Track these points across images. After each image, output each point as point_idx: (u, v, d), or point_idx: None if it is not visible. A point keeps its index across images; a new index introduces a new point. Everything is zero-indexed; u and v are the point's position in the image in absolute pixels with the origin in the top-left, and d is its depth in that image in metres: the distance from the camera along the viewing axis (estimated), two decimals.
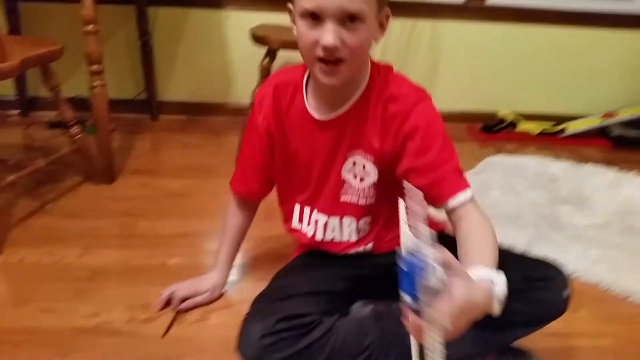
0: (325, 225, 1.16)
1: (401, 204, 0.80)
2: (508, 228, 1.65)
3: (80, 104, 2.07)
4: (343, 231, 1.16)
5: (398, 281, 0.70)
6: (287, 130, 1.10)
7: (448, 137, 1.01)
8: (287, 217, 1.23)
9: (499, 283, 0.78)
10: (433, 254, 0.66)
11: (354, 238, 1.17)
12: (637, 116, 2.78)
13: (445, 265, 0.68)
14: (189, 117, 2.66)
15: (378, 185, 1.10)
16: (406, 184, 0.75)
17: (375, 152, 1.06)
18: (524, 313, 1.00)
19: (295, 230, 1.21)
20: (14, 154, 2.08)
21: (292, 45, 1.97)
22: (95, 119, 1.83)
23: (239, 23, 2.51)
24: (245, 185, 1.23)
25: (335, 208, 1.14)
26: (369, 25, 0.91)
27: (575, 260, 1.54)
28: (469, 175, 1.03)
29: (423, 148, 0.99)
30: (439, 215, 1.09)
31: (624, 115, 2.78)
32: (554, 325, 1.06)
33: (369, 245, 1.18)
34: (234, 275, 1.46)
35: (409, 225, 0.74)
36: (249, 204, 1.29)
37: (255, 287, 1.15)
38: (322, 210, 1.15)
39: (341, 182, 1.10)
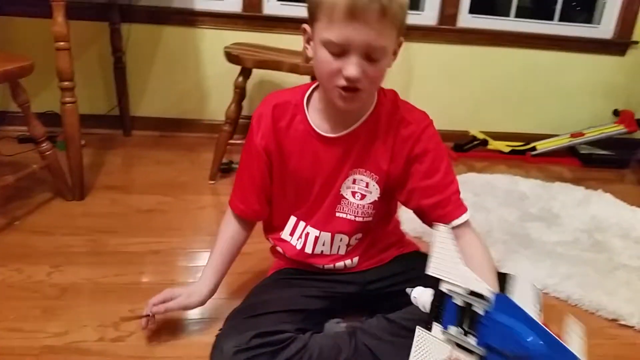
0: (316, 239, 1.16)
1: (442, 238, 0.85)
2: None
3: (52, 119, 2.04)
4: (333, 246, 1.17)
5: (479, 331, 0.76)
6: (286, 149, 1.11)
7: (450, 161, 1.09)
8: (277, 228, 1.22)
9: None
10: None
11: (342, 252, 1.18)
12: (604, 135, 2.87)
13: None
14: (162, 134, 2.65)
15: (376, 204, 1.12)
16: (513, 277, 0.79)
17: (381, 172, 1.09)
18: None
19: (283, 241, 1.21)
20: None
21: (266, 65, 2.00)
22: (65, 135, 1.81)
23: (214, 41, 2.53)
24: (245, 205, 1.19)
25: (329, 224, 1.14)
26: (388, 57, 0.96)
27: (545, 276, 1.56)
28: None
29: (431, 170, 1.06)
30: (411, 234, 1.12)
31: (591, 134, 2.87)
32: None
33: (355, 260, 1.19)
34: None
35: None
36: (247, 223, 1.24)
37: (229, 304, 1.15)
38: (315, 225, 1.15)
39: (339, 199, 1.12)
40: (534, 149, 2.82)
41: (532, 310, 0.83)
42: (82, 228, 1.68)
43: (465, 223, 1.07)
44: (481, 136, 2.81)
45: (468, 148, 2.77)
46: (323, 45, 0.94)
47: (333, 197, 1.12)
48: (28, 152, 2.13)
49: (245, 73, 2.04)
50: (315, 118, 1.08)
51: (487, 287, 0.77)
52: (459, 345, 0.79)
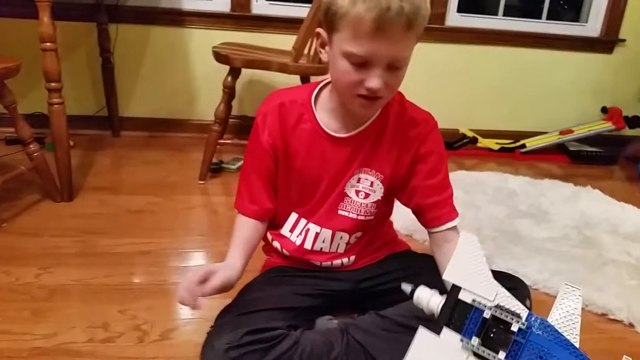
0: (317, 235, 1.15)
1: (468, 245, 0.88)
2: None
3: (40, 120, 2.03)
4: (333, 243, 1.17)
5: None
6: (292, 148, 1.10)
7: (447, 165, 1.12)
8: (277, 225, 1.20)
9: None
10: None
11: (341, 250, 1.18)
12: (593, 132, 2.90)
13: None
14: (151, 134, 2.64)
15: (379, 204, 1.13)
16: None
17: (387, 172, 1.10)
18: None
19: (282, 237, 1.20)
20: None
21: (255, 64, 2.00)
22: (53, 136, 1.80)
23: (202, 41, 2.52)
24: (257, 205, 1.15)
25: (331, 221, 1.14)
26: (407, 64, 0.97)
27: (534, 272, 1.57)
28: None
29: (433, 171, 1.09)
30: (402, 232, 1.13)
31: (581, 132, 2.89)
32: None
33: (352, 258, 1.20)
34: None
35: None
36: (259, 224, 1.18)
37: (220, 304, 1.14)
38: (317, 222, 1.15)
39: (342, 197, 1.12)
40: (523, 146, 2.83)
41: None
42: (71, 229, 1.67)
43: (454, 227, 1.10)
44: (470, 134, 2.82)
45: (458, 146, 2.78)
46: (344, 56, 0.93)
47: (337, 195, 1.12)
48: (16, 153, 2.11)
49: (234, 73, 2.04)
50: (324, 118, 1.08)
51: (521, 305, 0.79)
52: (477, 356, 0.78)
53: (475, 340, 0.79)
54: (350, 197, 1.12)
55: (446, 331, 0.84)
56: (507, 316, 0.78)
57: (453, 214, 1.11)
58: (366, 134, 1.08)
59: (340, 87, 1.01)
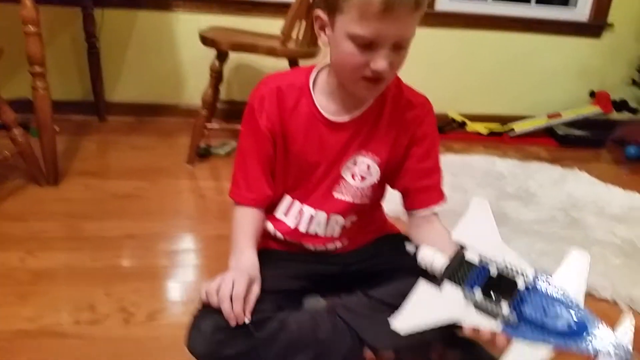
0: (311, 218, 1.13)
1: (479, 208, 0.90)
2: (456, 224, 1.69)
3: (25, 106, 2.00)
4: (328, 227, 1.15)
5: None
6: (290, 132, 1.08)
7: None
8: (271, 208, 1.16)
9: None
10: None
11: (336, 234, 1.16)
12: (581, 117, 2.91)
13: None
14: (138, 119, 2.61)
15: (374, 187, 1.12)
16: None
17: (384, 155, 1.08)
18: None
19: (275, 220, 1.17)
20: None
21: (242, 47, 1.98)
22: (37, 121, 1.78)
23: (189, 25, 2.49)
24: (256, 193, 1.11)
25: (326, 204, 1.12)
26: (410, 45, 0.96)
27: (522, 253, 1.57)
28: None
29: (426, 154, 1.08)
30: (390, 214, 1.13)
31: (569, 115, 2.90)
32: None
33: (345, 242, 1.19)
34: (185, 275, 1.44)
35: None
36: (259, 212, 1.14)
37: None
38: (311, 205, 1.13)
39: (338, 180, 1.10)
40: (511, 130, 2.84)
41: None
42: (57, 214, 1.66)
43: (437, 212, 1.11)
44: (459, 118, 2.82)
45: (446, 130, 2.78)
46: (349, 38, 0.91)
47: (333, 179, 1.10)
48: (0, 139, 2.08)
49: (221, 56, 2.02)
50: (322, 102, 1.06)
51: (528, 266, 0.80)
52: (479, 310, 0.79)
53: (477, 291, 0.79)
54: (347, 181, 1.10)
55: (448, 284, 0.84)
56: (513, 273, 0.79)
57: (440, 198, 1.11)
58: (364, 117, 1.06)
59: (343, 70, 0.99)
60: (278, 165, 1.11)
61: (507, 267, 0.81)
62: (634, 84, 2.99)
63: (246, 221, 1.10)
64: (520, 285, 0.78)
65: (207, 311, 1.03)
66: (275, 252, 1.20)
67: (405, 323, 0.87)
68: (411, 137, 1.08)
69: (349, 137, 1.07)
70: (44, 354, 1.10)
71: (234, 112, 2.45)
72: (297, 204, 1.14)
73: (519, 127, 2.85)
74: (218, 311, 1.00)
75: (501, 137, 2.82)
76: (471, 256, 0.85)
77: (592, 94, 3.00)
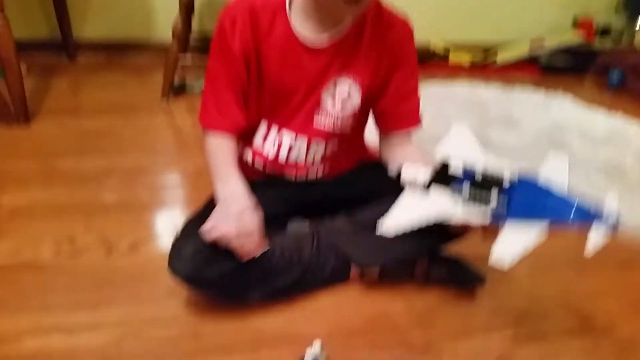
0: (291, 146, 1.09)
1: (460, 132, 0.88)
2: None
3: None
4: (309, 154, 1.11)
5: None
6: (265, 56, 1.01)
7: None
8: (248, 135, 1.11)
9: None
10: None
11: (317, 162, 1.13)
12: (565, 46, 2.86)
13: None
14: (109, 57, 2.50)
15: (356, 112, 1.08)
16: None
17: (366, 78, 1.04)
18: None
19: (254, 149, 1.13)
20: None
21: None
22: (1, 60, 1.69)
23: None
24: (229, 119, 1.04)
25: (306, 130, 1.07)
26: None
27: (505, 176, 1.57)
28: None
29: (406, 77, 1.06)
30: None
31: (552, 44, 2.85)
32: None
33: (326, 169, 1.16)
34: (166, 207, 1.41)
35: None
36: (232, 141, 1.07)
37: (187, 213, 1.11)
38: (291, 130, 1.08)
39: (318, 105, 1.05)
40: (494, 61, 2.79)
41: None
42: (30, 152, 1.60)
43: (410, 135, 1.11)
44: (441, 47, 2.76)
45: (429, 61, 2.73)
46: None
47: (313, 104, 1.05)
48: None
49: None
50: (299, 24, 0.99)
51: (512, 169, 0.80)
52: (468, 203, 0.80)
53: (466, 185, 0.79)
54: (327, 106, 1.06)
55: (435, 188, 0.83)
56: (497, 174, 0.79)
57: (418, 121, 1.10)
58: (344, 40, 1.00)
59: None
60: (251, 90, 1.05)
61: (492, 169, 0.81)
62: (619, 10, 2.94)
63: (223, 150, 1.05)
64: (507, 178, 0.79)
65: (188, 236, 1.01)
66: (255, 182, 1.16)
67: (393, 224, 0.87)
68: (393, 58, 1.04)
69: (328, 60, 1.01)
70: (24, 287, 1.07)
71: (208, 47, 2.35)
72: (274, 129, 1.10)
73: (502, 57, 2.81)
74: (197, 234, 0.98)
75: (484, 67, 2.78)
76: (455, 163, 0.84)
77: (575, 22, 2.95)
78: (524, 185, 0.78)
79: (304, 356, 0.88)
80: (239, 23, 0.99)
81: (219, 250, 0.96)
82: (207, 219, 0.96)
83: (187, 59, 2.04)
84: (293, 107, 1.06)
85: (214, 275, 0.98)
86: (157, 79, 2.10)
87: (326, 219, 1.18)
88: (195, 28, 2.31)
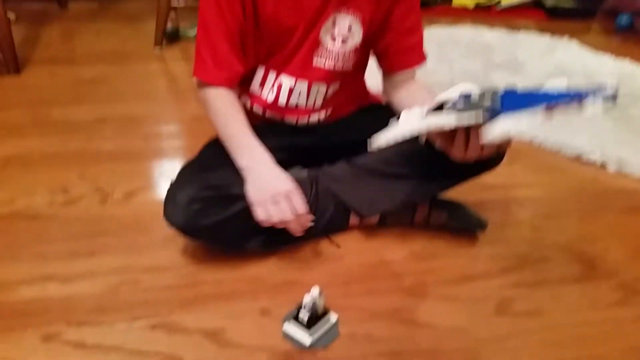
0: (291, 90, 1.05)
1: None
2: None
3: None
4: (310, 97, 1.07)
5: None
6: None
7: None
8: (245, 81, 1.05)
9: None
10: None
11: (318, 105, 1.09)
12: None
13: None
14: (100, 4, 2.44)
15: (357, 51, 1.03)
16: None
17: (367, 12, 0.99)
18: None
19: (251, 95, 1.09)
20: None
21: None
22: None
23: None
24: (227, 71, 0.98)
25: (306, 71, 1.03)
26: None
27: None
28: None
29: (408, 10, 1.01)
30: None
31: None
32: (490, 178, 1.06)
33: (328, 112, 1.12)
34: (161, 155, 1.39)
35: None
36: (233, 93, 1.02)
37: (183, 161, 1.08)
38: (291, 74, 1.03)
39: (317, 44, 1.00)
40: (499, 3, 2.70)
41: None
42: (21, 101, 1.57)
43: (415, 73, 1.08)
44: None
45: (432, 4, 2.65)
46: None
47: (311, 43, 1.00)
48: None
49: None
50: None
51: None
52: (463, 110, 0.77)
53: (461, 98, 0.77)
54: (326, 44, 1.01)
55: (430, 112, 0.82)
56: (491, 92, 0.76)
57: (423, 58, 1.07)
58: None
59: None
60: (248, 33, 0.99)
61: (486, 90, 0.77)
62: None
63: (230, 107, 1.00)
64: (500, 91, 0.75)
65: (183, 183, 0.98)
66: (254, 126, 1.13)
67: (382, 138, 0.85)
68: None
69: None
70: (19, 236, 1.06)
71: None
72: (272, 74, 1.05)
73: (507, 0, 2.72)
74: (192, 182, 0.95)
75: (488, 10, 2.69)
76: (452, 95, 0.80)
77: None
78: (520, 92, 0.75)
79: (302, 302, 0.87)
80: None
81: (213, 202, 0.94)
82: (248, 198, 0.95)
83: (179, 1, 1.96)
84: (291, 48, 1.01)
85: (209, 224, 0.95)
86: (150, 27, 2.03)
87: (326, 165, 1.15)
88: None
